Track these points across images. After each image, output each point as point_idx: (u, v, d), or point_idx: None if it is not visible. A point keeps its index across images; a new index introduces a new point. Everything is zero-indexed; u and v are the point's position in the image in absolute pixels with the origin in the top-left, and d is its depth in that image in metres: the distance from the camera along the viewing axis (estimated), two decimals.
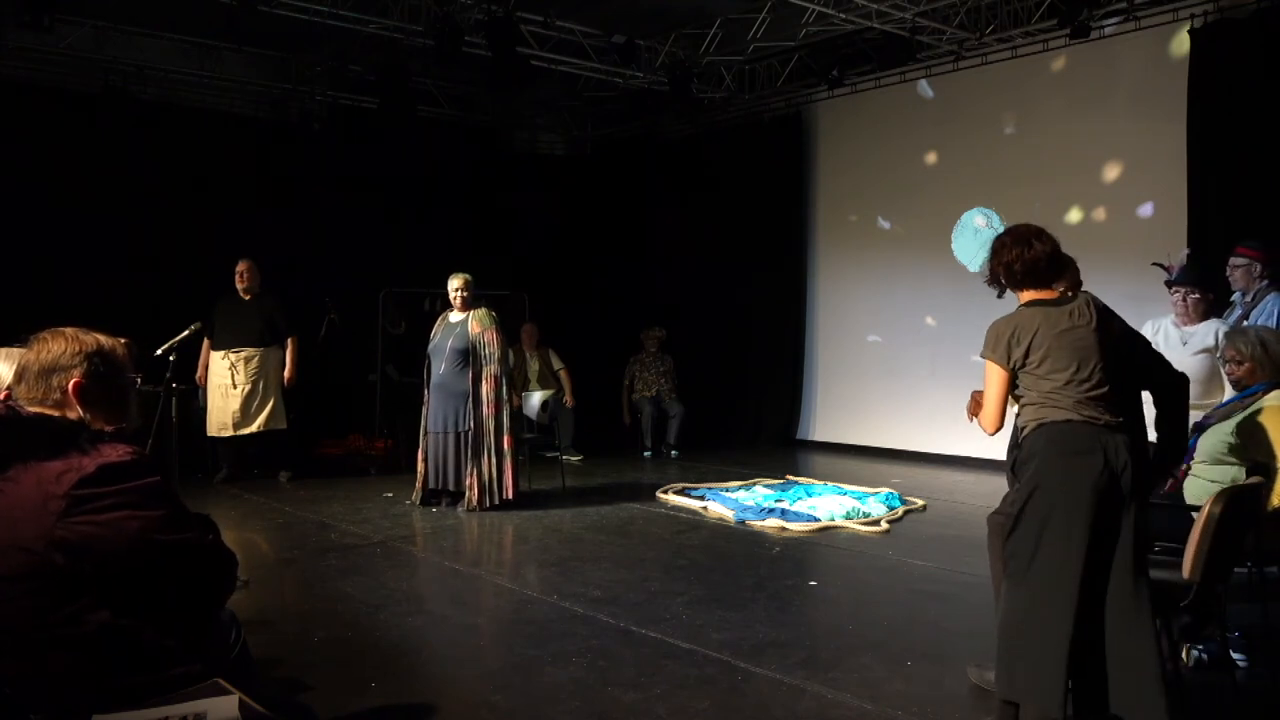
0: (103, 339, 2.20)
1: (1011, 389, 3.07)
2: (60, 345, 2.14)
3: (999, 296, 3.27)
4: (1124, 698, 2.86)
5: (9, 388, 2.21)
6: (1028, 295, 3.11)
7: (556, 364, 9.51)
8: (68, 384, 2.11)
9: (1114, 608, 2.88)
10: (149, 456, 2.10)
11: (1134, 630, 2.85)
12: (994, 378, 3.05)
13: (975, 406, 3.22)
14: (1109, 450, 2.89)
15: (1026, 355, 2.98)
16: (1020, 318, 3.04)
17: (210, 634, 2.28)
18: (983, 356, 3.08)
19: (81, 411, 2.11)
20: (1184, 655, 3.66)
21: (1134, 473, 2.92)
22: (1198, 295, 4.82)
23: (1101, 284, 4.03)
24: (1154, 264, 5.38)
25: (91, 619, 1.94)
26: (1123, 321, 3.11)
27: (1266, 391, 3.81)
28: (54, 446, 2.00)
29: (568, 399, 9.35)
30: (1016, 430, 3.15)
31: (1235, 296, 5.20)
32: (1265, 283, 5.09)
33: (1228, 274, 5.14)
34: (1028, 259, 3.06)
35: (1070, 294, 3.10)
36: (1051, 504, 2.89)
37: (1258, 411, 3.76)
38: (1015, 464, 3.08)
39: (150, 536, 1.99)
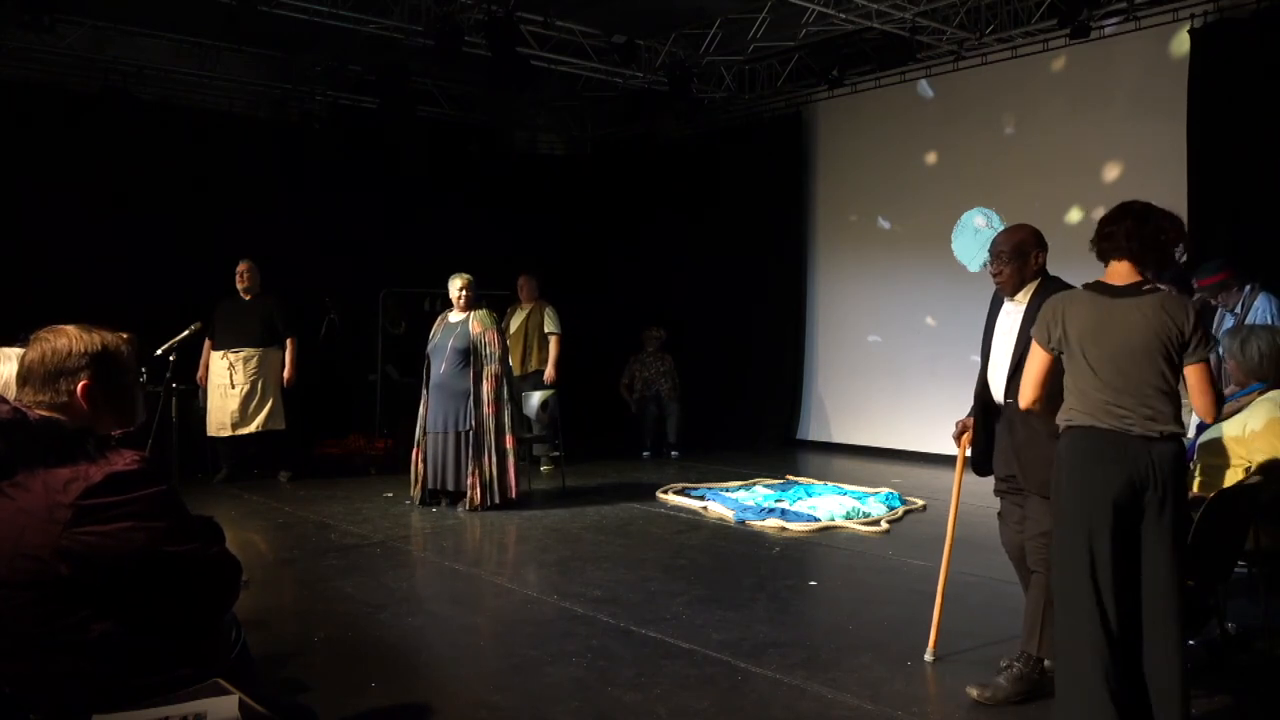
0: (107, 337, 2.13)
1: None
2: (66, 346, 2.08)
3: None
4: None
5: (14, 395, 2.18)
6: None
7: (549, 325, 8.42)
8: (75, 386, 2.06)
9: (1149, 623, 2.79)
10: (156, 464, 2.08)
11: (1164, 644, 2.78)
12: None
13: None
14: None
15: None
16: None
17: (212, 637, 2.27)
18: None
19: (89, 414, 2.07)
20: None
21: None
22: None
23: None
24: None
25: (95, 628, 1.94)
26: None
27: (1263, 391, 3.82)
28: (62, 452, 1.97)
29: (548, 371, 8.25)
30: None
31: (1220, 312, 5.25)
32: (1249, 288, 5.13)
33: (1214, 302, 5.17)
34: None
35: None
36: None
37: (1252, 410, 3.77)
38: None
39: (155, 547, 1.98)
